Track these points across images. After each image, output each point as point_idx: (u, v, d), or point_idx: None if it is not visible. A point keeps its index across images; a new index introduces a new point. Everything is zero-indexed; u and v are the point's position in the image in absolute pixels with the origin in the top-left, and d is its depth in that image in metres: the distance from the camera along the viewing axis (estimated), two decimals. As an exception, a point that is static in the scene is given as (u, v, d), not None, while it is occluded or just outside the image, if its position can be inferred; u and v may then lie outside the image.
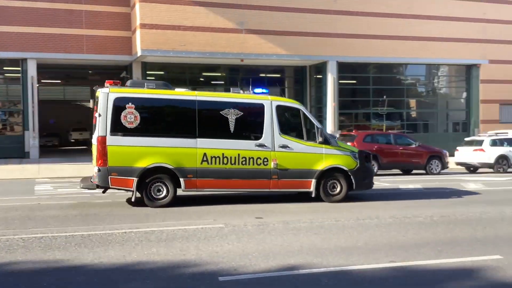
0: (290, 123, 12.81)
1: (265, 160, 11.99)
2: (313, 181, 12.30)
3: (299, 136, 12.45)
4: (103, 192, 12.22)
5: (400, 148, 21.54)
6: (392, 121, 34.07)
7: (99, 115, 11.15)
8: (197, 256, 7.19)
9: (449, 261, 7.06)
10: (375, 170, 18.03)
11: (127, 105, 11.26)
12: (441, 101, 36.79)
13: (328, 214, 10.77)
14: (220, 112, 11.85)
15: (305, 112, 12.69)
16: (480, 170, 23.40)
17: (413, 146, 21.85)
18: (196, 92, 12.36)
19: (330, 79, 29.91)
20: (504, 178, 19.54)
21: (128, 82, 12.40)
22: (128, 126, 11.25)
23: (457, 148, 24.02)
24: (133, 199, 11.36)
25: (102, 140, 11.07)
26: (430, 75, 36.69)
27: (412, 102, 36.96)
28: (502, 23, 34.36)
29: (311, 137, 12.52)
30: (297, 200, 12.53)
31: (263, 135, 12.08)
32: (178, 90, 12.42)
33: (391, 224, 9.66)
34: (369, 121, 33.28)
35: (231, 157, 11.77)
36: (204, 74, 32.17)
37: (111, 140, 11.12)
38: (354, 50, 30.38)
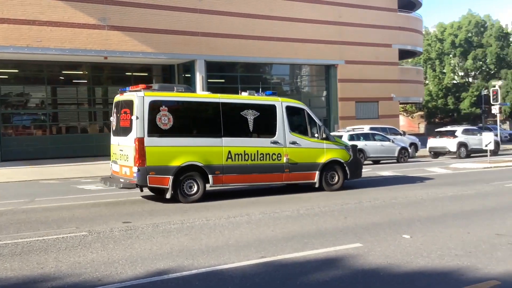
0: (297, 122, 14.02)
1: (279, 155, 13.32)
2: (317, 173, 13.91)
3: (305, 133, 13.88)
4: (141, 190, 12.75)
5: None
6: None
7: (137, 117, 11.68)
8: (56, 269, 6.61)
9: (314, 252, 7.32)
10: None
11: (161, 108, 11.94)
12: (304, 100, 38.60)
13: (198, 213, 10.64)
14: (240, 113, 13.02)
15: (308, 112, 14.14)
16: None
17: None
18: (218, 95, 13.34)
19: (199, 78, 29.84)
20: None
21: (156, 86, 12.72)
22: (163, 127, 11.94)
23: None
24: (168, 196, 12.04)
25: (141, 141, 11.64)
26: (294, 75, 38.41)
27: (278, 101, 38.30)
28: (356, 26, 37.09)
29: (314, 133, 14.03)
30: (166, 200, 12.23)
31: (276, 133, 13.41)
32: (201, 93, 13.66)
33: (261, 220, 9.82)
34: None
35: (251, 154, 12.93)
36: (64, 72, 30.19)
37: (148, 141, 11.73)
38: (222, 49, 30.68)
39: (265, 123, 13.49)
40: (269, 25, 32.86)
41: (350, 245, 7.67)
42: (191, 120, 12.75)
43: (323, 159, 13.97)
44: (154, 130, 11.84)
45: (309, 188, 14.11)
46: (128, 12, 27.06)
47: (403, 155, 25.24)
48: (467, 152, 27.53)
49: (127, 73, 31.11)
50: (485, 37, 72.11)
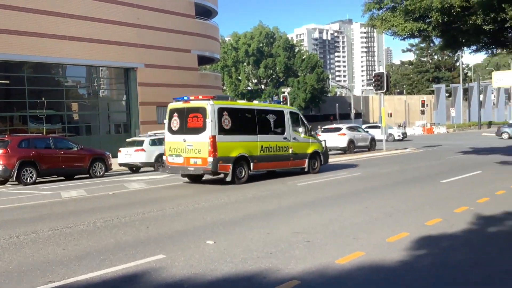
0: (295, 123, 18.62)
1: (287, 148, 17.96)
2: (307, 160, 18.80)
3: (300, 131, 18.67)
4: (213, 175, 16.08)
5: (61, 153, 20.36)
6: (53, 124, 32.27)
7: (211, 120, 15.14)
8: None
9: (112, 270, 6.60)
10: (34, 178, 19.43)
11: (224, 113, 15.59)
12: (103, 103, 36.86)
13: (-28, 236, 8.95)
14: (266, 116, 17.40)
15: (301, 115, 19.23)
16: (142, 169, 24.23)
17: (75, 149, 21.00)
18: (253, 103, 18.70)
19: (-24, 77, 26.13)
20: (164, 175, 20.60)
21: (215, 96, 16.26)
22: (225, 128, 15.62)
23: (120, 149, 24.27)
24: (229, 179, 15.77)
25: (214, 138, 15.16)
26: (91, 77, 36.29)
27: (74, 105, 35.90)
28: (156, 29, 36.70)
29: (305, 131, 18.86)
30: None
31: (286, 131, 18.03)
32: (242, 101, 19.19)
33: (50, 238, 8.66)
34: (27, 124, 30.62)
35: (273, 147, 17.34)
36: None
37: (218, 138, 15.27)
38: (6, 47, 27.35)
39: (279, 124, 17.88)
40: (62, 23, 30.48)
41: (152, 258, 7.13)
42: (240, 122, 16.52)
43: (310, 150, 18.91)
44: (221, 129, 15.53)
45: (106, 198, 13.14)
46: None
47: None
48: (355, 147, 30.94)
49: None
50: (274, 47, 78.31)
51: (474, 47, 17.90)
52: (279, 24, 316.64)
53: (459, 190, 13.28)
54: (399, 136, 47.40)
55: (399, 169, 19.91)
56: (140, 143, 23.77)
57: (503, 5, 11.91)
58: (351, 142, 30.88)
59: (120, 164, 24.08)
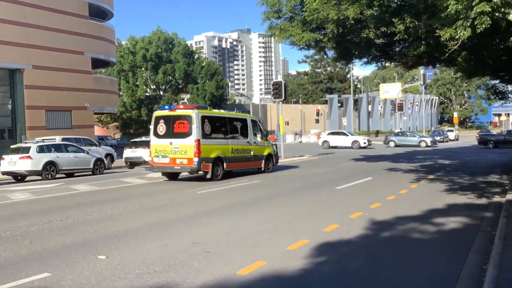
0: (255, 129, 21.77)
1: (249, 150, 21.08)
2: (263, 161, 21.91)
3: (258, 136, 21.73)
4: (197, 173, 18.96)
5: None
6: None
7: (196, 126, 18.09)
8: None
9: (-12, 293, 5.84)
10: None
11: (205, 120, 18.64)
12: (-17, 107, 33.83)
13: None
14: (234, 123, 20.68)
15: (259, 123, 22.52)
16: (28, 178, 22.48)
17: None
18: (224, 112, 21.48)
19: None
20: (52, 184, 19.28)
21: (197, 106, 19.76)
22: (206, 132, 18.59)
23: (3, 156, 22.32)
24: (209, 176, 18.50)
25: (198, 142, 18.13)
26: (-30, 78, 33.20)
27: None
28: (44, 29, 34.47)
29: (262, 136, 22.04)
30: None
31: (248, 136, 21.12)
32: (217, 110, 21.79)
33: None
34: None
35: (239, 149, 20.39)
36: None
37: (202, 141, 18.24)
38: None
39: (243, 130, 21.01)
40: None
41: (35, 277, 6.43)
42: (216, 128, 19.32)
43: (265, 153, 22.07)
44: (203, 134, 18.28)
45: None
46: None
47: (99, 167, 24.36)
48: None
49: None
50: (173, 53, 77.29)
51: (365, 60, 18.76)
52: (178, 30, 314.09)
53: (354, 196, 13.75)
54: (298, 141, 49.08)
55: (297, 176, 20.34)
56: (26, 149, 22.01)
57: (393, 19, 12.54)
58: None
59: (3, 173, 22.15)
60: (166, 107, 19.75)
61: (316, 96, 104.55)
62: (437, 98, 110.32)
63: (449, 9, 8.33)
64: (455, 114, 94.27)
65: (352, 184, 16.69)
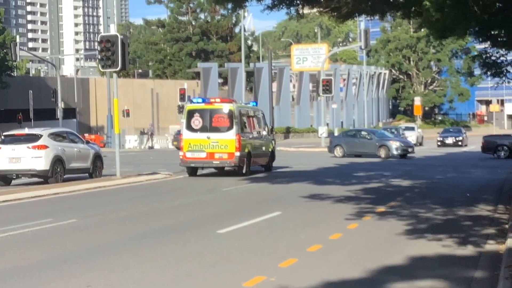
0: (265, 122, 22.77)
1: (267, 145, 21.64)
2: (268, 158, 21.65)
3: (266, 130, 22.79)
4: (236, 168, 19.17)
5: None
6: None
7: (237, 121, 18.50)
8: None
9: None
10: None
11: (241, 114, 19.35)
12: None
13: None
14: (255, 117, 21.39)
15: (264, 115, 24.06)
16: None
17: None
18: (246, 105, 22.23)
19: None
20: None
21: (234, 100, 21.99)
22: (242, 127, 19.25)
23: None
24: (245, 171, 18.95)
25: (239, 136, 18.43)
26: None
27: None
28: None
29: (267, 131, 23.17)
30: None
31: (264, 130, 21.89)
32: (242, 103, 22.69)
33: None
34: None
35: (258, 145, 20.87)
36: None
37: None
38: None
39: (259, 124, 21.59)
40: None
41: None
42: (245, 122, 20.01)
43: (270, 149, 21.72)
44: (240, 129, 19.01)
45: None
46: None
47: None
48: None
49: None
50: None
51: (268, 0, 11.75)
52: None
53: (249, 247, 8.17)
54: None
55: (147, 210, 12.29)
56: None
57: None
58: (57, 161, 17.35)
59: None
60: (200, 100, 20.52)
61: (179, 65, 64.95)
62: (387, 72, 69.06)
63: None
64: (417, 101, 58.61)
65: (246, 224, 10.22)
